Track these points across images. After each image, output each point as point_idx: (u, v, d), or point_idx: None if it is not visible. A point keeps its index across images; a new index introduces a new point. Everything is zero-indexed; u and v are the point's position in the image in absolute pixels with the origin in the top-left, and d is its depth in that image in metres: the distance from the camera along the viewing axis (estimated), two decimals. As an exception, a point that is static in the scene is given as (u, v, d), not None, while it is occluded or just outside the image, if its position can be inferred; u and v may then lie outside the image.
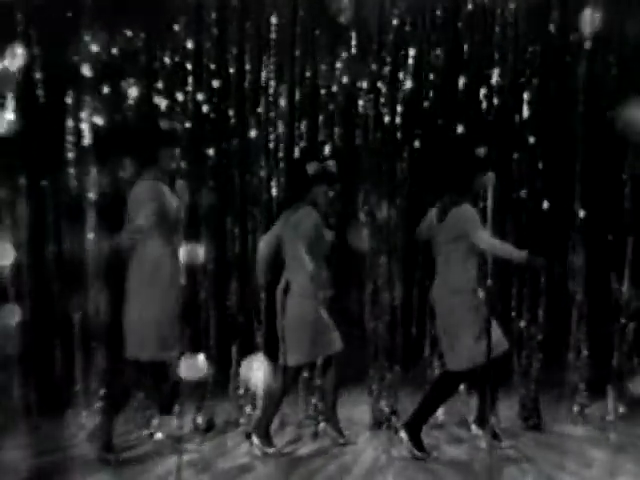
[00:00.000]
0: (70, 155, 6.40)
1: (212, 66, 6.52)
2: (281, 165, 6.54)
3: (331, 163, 5.68)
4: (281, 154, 6.54)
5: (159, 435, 5.74)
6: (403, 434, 5.46)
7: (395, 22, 6.55)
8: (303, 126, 6.57)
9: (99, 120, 6.32)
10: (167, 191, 5.42)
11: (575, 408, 6.38)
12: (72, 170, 6.40)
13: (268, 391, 5.73)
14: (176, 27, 6.50)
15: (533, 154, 6.36)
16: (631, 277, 6.39)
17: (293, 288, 5.55)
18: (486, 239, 5.34)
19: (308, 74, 6.65)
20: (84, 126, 6.30)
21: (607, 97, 6.56)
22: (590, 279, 6.48)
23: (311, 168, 5.62)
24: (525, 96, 6.39)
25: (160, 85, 6.52)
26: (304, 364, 5.73)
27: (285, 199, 6.21)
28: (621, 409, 6.32)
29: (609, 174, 6.53)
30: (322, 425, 5.97)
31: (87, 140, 6.27)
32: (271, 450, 5.56)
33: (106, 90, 6.44)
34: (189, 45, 6.48)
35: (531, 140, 6.38)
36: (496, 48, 6.49)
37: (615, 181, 6.44)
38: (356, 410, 6.37)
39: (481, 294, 5.48)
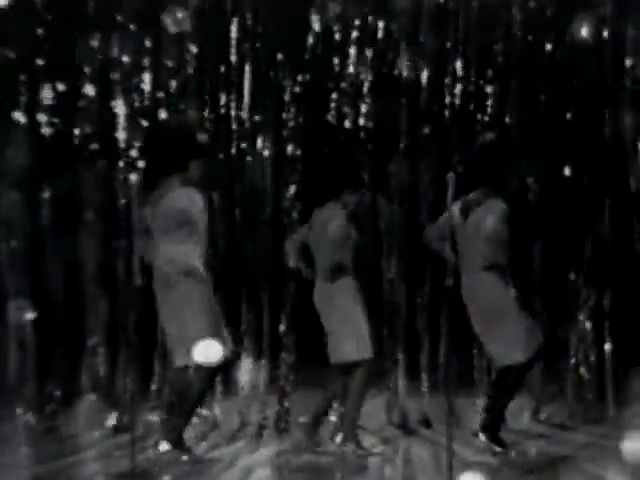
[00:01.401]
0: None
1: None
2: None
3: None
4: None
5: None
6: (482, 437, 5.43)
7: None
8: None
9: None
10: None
11: (533, 407, 6.43)
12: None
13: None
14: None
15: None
16: (588, 275, 6.47)
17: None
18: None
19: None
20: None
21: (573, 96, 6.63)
22: (548, 277, 6.55)
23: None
24: (490, 96, 6.46)
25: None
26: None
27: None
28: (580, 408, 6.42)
29: (572, 172, 6.59)
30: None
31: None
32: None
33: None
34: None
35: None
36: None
37: (576, 179, 6.52)
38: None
39: None
